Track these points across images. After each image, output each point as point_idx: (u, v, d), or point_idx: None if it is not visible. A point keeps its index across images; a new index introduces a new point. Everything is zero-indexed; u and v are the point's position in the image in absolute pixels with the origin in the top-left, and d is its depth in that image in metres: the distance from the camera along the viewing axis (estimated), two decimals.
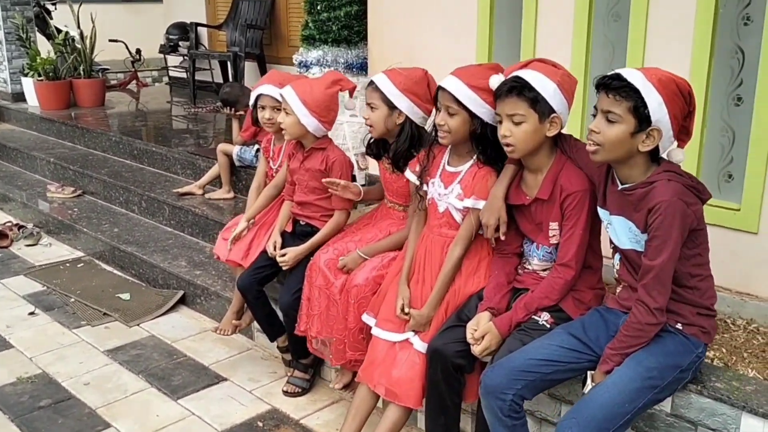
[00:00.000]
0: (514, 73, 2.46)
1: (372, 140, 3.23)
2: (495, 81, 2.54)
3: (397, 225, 3.19)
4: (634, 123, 2.14)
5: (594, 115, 2.24)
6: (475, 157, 2.74)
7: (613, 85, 2.14)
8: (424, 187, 2.90)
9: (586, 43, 3.29)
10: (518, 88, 2.41)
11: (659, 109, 2.12)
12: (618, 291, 2.45)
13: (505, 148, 2.48)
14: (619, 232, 2.34)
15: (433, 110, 2.90)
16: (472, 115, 2.64)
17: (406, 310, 2.74)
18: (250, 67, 7.90)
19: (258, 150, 5.17)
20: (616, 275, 2.46)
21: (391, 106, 2.99)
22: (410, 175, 2.96)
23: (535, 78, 2.41)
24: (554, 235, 2.56)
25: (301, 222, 3.44)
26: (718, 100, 3.01)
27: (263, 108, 3.58)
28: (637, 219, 2.25)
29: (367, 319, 2.95)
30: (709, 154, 3.07)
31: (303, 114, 3.19)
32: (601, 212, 2.43)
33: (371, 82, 3.04)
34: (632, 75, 2.14)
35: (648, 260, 2.19)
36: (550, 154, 2.55)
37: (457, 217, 2.77)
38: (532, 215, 2.58)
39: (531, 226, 2.60)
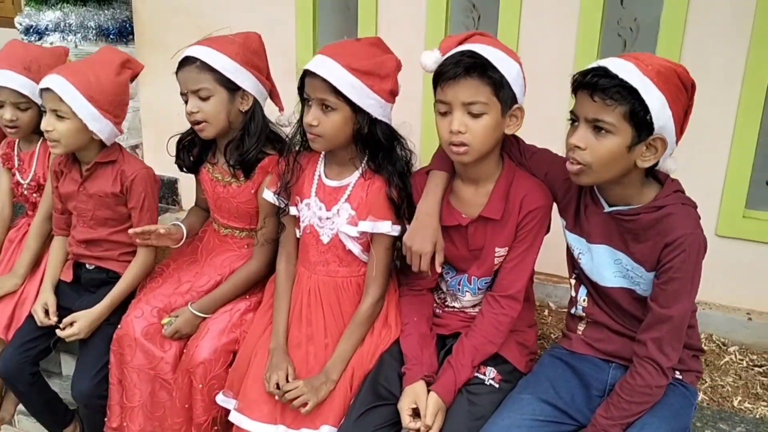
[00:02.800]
0: (467, 47, 1.77)
1: (186, 142, 2.32)
2: (431, 58, 1.83)
3: (240, 258, 2.32)
4: (631, 133, 1.61)
5: (572, 123, 1.68)
6: (363, 165, 2.02)
7: (600, 85, 1.59)
8: (292, 211, 2.09)
9: (446, 6, 2.66)
10: (480, 66, 1.74)
11: (663, 111, 1.60)
12: (582, 329, 1.93)
13: (454, 150, 1.80)
14: (601, 264, 1.81)
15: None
16: (356, 110, 1.91)
17: (291, 384, 1.93)
18: None
19: None
20: (581, 312, 1.93)
21: (232, 88, 2.13)
22: (269, 195, 2.13)
23: (495, 55, 1.76)
24: (500, 263, 1.95)
25: (87, 266, 2.39)
26: None
27: (0, 105, 2.41)
28: (638, 252, 1.73)
29: (225, 401, 2.08)
30: None
31: (92, 117, 2.15)
32: (572, 238, 1.87)
33: (190, 61, 2.12)
34: (624, 68, 1.59)
35: (662, 308, 1.68)
36: (498, 160, 1.93)
37: (354, 247, 2.03)
38: (468, 239, 1.94)
39: (463, 252, 1.96)
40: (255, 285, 2.27)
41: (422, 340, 1.97)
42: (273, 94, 2.30)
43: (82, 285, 2.39)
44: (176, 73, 2.16)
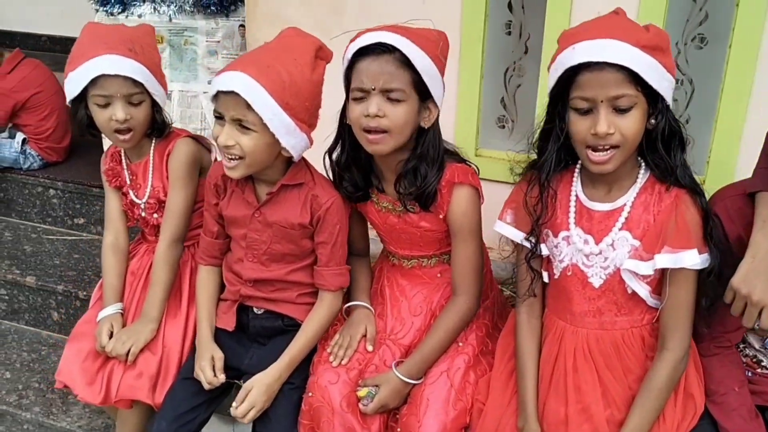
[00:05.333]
0: None
1: (342, 163, 1.77)
2: None
3: (436, 290, 1.82)
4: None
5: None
6: (641, 175, 1.51)
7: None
8: (543, 251, 1.59)
9: None
10: None
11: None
12: None
13: None
14: None
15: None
16: (652, 102, 1.42)
17: None
18: None
19: (25, 141, 3.22)
20: None
21: (424, 98, 1.62)
22: (510, 230, 1.62)
23: None
24: None
25: (255, 310, 1.85)
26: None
27: (106, 103, 1.83)
28: None
29: None
30: None
31: (286, 129, 1.61)
32: None
33: (385, 51, 1.57)
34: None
35: None
36: None
37: (641, 289, 1.51)
38: None
39: None
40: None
41: (752, 418, 1.50)
42: None
43: (248, 335, 1.85)
44: (352, 60, 1.62)
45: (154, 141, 1.95)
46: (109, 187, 2.04)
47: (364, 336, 1.77)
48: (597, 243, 1.52)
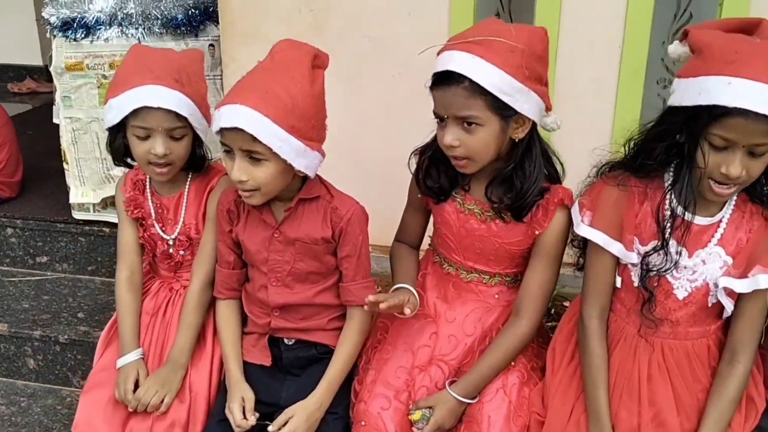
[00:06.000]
0: None
1: (427, 163, 1.73)
2: None
3: (490, 311, 1.76)
4: None
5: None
6: (737, 195, 1.51)
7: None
8: (631, 258, 1.55)
9: None
10: None
11: None
12: None
13: None
14: None
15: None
16: None
17: None
18: None
19: None
20: None
21: (508, 115, 1.55)
22: (601, 237, 1.55)
23: None
24: None
25: (286, 341, 1.77)
26: None
27: (146, 136, 1.72)
28: None
29: None
30: None
31: (296, 153, 1.55)
32: None
33: (455, 80, 1.51)
34: None
35: None
36: None
37: (728, 305, 1.52)
38: None
39: None
40: None
41: None
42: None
43: (281, 367, 1.76)
44: (431, 88, 1.58)
45: (190, 175, 1.85)
46: (125, 218, 1.90)
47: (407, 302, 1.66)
48: (690, 256, 1.50)
